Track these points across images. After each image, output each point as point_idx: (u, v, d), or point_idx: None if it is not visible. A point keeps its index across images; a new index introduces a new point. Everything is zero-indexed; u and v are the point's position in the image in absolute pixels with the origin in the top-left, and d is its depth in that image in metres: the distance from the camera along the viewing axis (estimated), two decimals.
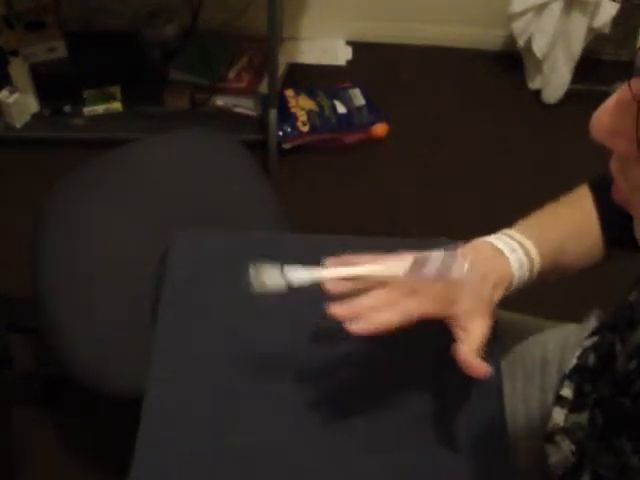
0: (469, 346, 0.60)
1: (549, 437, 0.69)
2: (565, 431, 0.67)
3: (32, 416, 1.39)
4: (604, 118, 0.38)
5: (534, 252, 0.66)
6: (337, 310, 0.59)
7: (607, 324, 0.67)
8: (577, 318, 0.84)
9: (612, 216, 0.68)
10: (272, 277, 0.59)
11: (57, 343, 0.99)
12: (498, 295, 0.64)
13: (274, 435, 0.67)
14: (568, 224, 0.72)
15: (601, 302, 0.82)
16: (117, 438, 0.84)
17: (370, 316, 0.59)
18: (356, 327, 0.58)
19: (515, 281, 0.65)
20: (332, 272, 0.61)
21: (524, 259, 0.65)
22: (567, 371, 0.73)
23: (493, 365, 0.72)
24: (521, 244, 0.66)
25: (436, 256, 0.60)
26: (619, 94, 0.37)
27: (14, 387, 1.43)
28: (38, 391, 1.44)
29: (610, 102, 0.37)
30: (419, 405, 0.70)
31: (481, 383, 0.70)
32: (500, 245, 0.65)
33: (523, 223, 0.70)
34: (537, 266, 0.66)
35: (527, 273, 0.65)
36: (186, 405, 0.68)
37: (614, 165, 0.40)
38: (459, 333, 0.61)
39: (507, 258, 0.64)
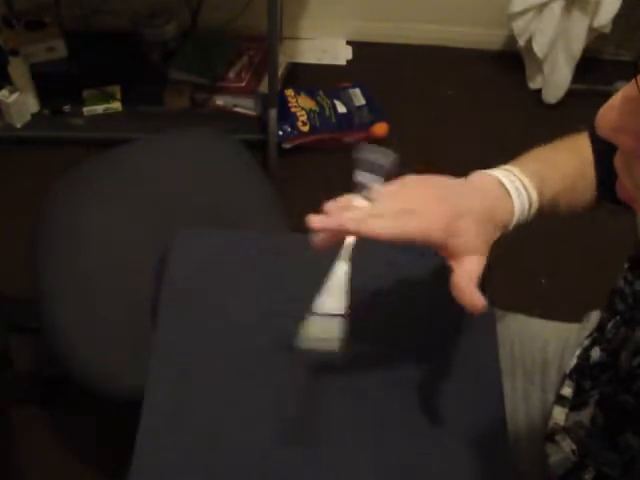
0: (466, 279, 0.59)
1: (549, 436, 0.69)
2: (566, 430, 0.67)
3: (32, 416, 1.39)
4: (610, 114, 0.37)
5: (534, 197, 0.65)
6: (326, 218, 0.59)
7: (606, 314, 0.67)
8: (577, 318, 0.84)
9: (608, 170, 0.68)
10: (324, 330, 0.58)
11: (57, 343, 0.99)
12: (496, 236, 0.63)
13: (274, 434, 0.67)
14: (568, 172, 0.70)
15: (601, 302, 0.82)
16: (117, 438, 0.84)
17: (367, 220, 0.58)
18: (351, 224, 0.57)
19: (512, 225, 0.64)
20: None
21: (526, 204, 0.64)
22: (568, 371, 0.73)
23: (494, 365, 0.72)
24: (525, 187, 0.64)
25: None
26: (626, 90, 0.36)
27: (14, 387, 1.43)
28: (38, 391, 1.44)
29: (616, 98, 0.37)
30: (419, 405, 0.70)
31: (482, 383, 0.71)
32: (508, 185, 0.64)
33: (525, 162, 0.68)
34: (534, 210, 0.65)
35: (526, 215, 0.65)
36: (186, 405, 0.68)
37: (619, 162, 0.40)
38: (456, 267, 0.60)
39: (512, 201, 0.63)
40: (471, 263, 0.60)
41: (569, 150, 0.72)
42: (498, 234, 0.63)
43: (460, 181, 0.66)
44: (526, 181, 0.65)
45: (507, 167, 0.67)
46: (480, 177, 0.66)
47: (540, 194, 0.65)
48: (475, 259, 0.60)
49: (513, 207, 0.63)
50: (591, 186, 0.72)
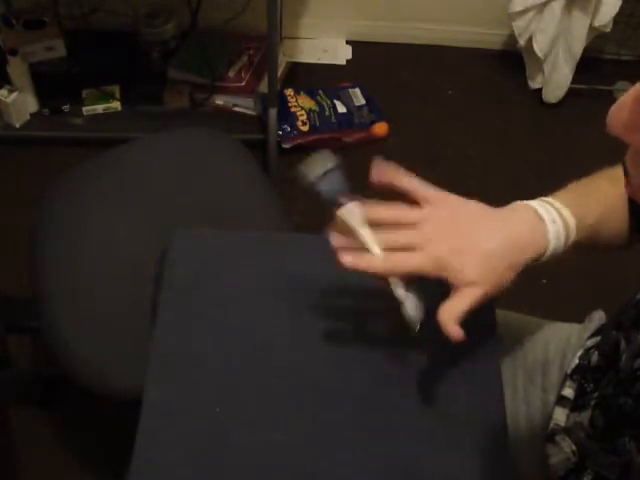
0: (453, 307, 0.59)
1: (550, 437, 0.69)
2: (566, 431, 0.67)
3: (32, 416, 1.39)
4: (621, 112, 0.37)
5: (572, 225, 0.64)
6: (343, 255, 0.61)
7: (611, 322, 0.67)
8: (578, 318, 0.84)
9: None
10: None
11: (57, 343, 0.99)
12: (523, 264, 0.62)
13: (274, 435, 0.67)
14: (609, 199, 0.70)
15: (602, 302, 0.82)
16: (117, 438, 0.84)
17: (363, 257, 0.61)
18: (346, 260, 0.61)
19: (549, 252, 0.63)
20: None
21: (562, 231, 0.63)
22: (569, 371, 0.73)
23: (494, 365, 0.72)
24: (562, 216, 0.64)
25: None
26: (637, 88, 0.36)
27: (14, 387, 1.43)
28: (38, 391, 1.44)
29: (628, 96, 0.37)
30: (419, 405, 0.70)
31: (482, 383, 0.70)
32: (543, 213, 0.63)
33: (563, 192, 0.68)
34: (572, 237, 0.64)
35: (562, 245, 0.64)
36: (186, 405, 0.68)
37: (629, 160, 0.40)
38: (451, 294, 0.61)
39: (547, 229, 0.62)
40: (464, 295, 0.60)
41: (609, 179, 0.72)
42: (528, 262, 0.63)
43: (489, 213, 0.65)
44: (564, 211, 0.64)
45: (545, 198, 0.66)
46: (512, 207, 0.65)
47: (579, 223, 0.64)
48: (472, 291, 0.60)
49: (548, 234, 0.63)
50: (625, 216, 0.71)
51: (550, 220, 0.63)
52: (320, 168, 0.65)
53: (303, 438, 0.67)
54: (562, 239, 0.63)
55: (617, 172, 0.71)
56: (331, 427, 0.68)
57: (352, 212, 0.63)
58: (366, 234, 0.62)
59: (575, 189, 0.69)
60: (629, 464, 0.56)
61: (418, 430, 0.68)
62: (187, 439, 0.66)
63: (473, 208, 0.65)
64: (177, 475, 0.65)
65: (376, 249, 0.61)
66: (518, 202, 0.66)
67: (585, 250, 0.69)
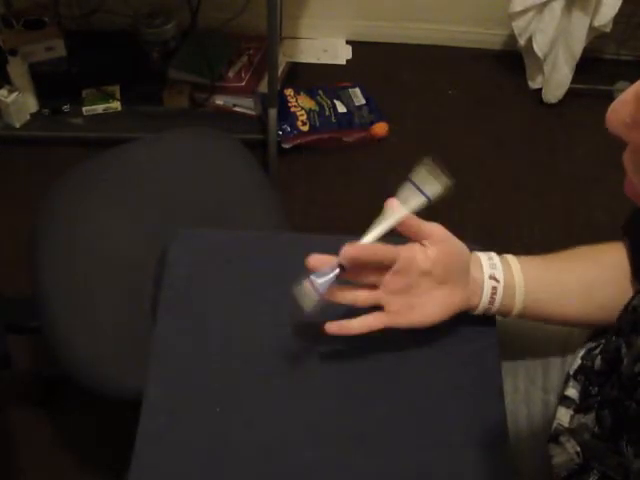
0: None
1: (553, 437, 0.69)
2: (570, 432, 0.67)
3: (32, 416, 1.39)
4: (621, 110, 0.37)
5: (513, 260, 0.68)
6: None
7: (611, 327, 0.67)
8: None
9: None
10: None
11: (57, 343, 0.99)
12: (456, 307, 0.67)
13: (274, 434, 0.67)
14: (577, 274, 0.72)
15: None
16: (117, 438, 0.84)
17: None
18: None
19: (486, 270, 0.67)
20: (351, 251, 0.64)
21: (501, 272, 0.67)
22: (571, 371, 0.73)
23: (494, 365, 0.72)
24: (501, 255, 0.68)
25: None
26: (638, 86, 0.36)
27: (14, 387, 1.43)
28: (38, 391, 1.44)
29: (628, 94, 0.37)
30: (420, 405, 0.70)
31: (482, 383, 0.70)
32: (485, 267, 0.67)
33: (532, 259, 0.71)
34: (517, 273, 0.67)
35: (498, 304, 0.67)
36: (186, 405, 0.68)
37: (628, 158, 0.40)
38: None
39: (480, 262, 0.67)
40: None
41: (578, 256, 0.73)
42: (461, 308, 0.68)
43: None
44: (512, 260, 0.68)
45: (506, 255, 0.70)
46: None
47: (529, 272, 0.68)
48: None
49: (481, 267, 0.67)
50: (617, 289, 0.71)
51: (486, 258, 0.68)
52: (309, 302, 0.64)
53: (303, 438, 0.67)
54: (499, 294, 0.67)
55: (591, 250, 0.73)
56: (331, 427, 0.68)
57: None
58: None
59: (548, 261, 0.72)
60: (628, 468, 0.56)
61: (418, 431, 0.68)
62: (187, 439, 0.66)
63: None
64: (177, 475, 0.65)
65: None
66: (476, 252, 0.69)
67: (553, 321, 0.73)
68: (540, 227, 1.75)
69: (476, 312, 0.69)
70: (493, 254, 0.69)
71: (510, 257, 0.69)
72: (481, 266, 0.67)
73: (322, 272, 0.63)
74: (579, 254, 0.73)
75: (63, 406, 1.41)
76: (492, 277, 0.66)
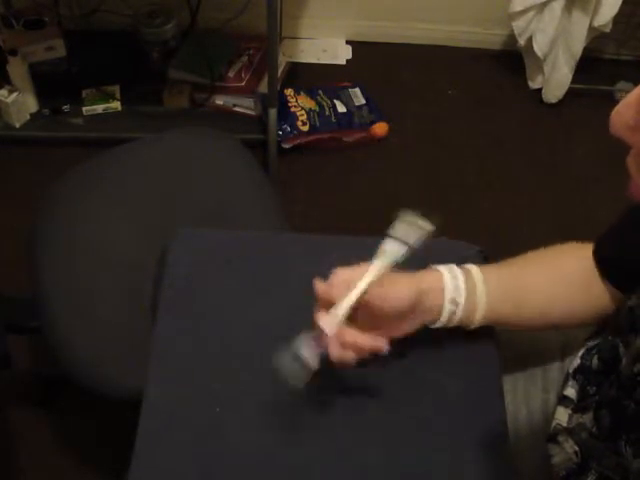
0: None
1: (552, 437, 0.69)
2: (568, 431, 0.67)
3: (32, 416, 1.39)
4: (625, 113, 0.37)
5: (477, 274, 0.68)
6: None
7: (609, 326, 0.67)
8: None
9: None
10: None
11: (57, 343, 0.99)
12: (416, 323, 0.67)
13: (274, 435, 0.67)
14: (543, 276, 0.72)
15: None
16: (117, 438, 0.84)
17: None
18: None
19: (448, 294, 0.66)
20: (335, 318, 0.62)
21: (460, 277, 0.67)
22: (571, 371, 0.73)
23: (494, 365, 0.72)
24: (463, 268, 0.68)
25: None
26: None
27: (14, 387, 1.43)
28: (38, 391, 1.44)
29: (631, 97, 0.37)
30: (420, 405, 0.69)
31: (482, 383, 0.70)
32: (445, 276, 0.67)
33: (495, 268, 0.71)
34: (480, 286, 0.67)
35: (462, 287, 0.66)
36: (186, 405, 0.68)
37: (632, 161, 0.40)
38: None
39: (440, 272, 0.67)
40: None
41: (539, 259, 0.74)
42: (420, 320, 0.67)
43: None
44: (470, 267, 0.68)
45: (469, 267, 0.70)
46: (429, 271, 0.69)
47: (491, 275, 0.68)
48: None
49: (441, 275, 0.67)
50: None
51: (446, 269, 0.67)
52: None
53: (303, 438, 0.67)
54: (462, 285, 0.66)
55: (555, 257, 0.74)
56: (331, 427, 0.68)
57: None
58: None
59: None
60: (627, 468, 0.56)
61: (418, 431, 0.68)
62: (187, 439, 0.66)
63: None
64: (177, 475, 0.65)
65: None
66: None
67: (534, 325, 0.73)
68: (540, 227, 1.75)
69: (434, 327, 0.69)
70: (457, 271, 0.68)
71: (474, 270, 0.68)
72: (442, 290, 0.66)
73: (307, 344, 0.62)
74: (540, 261, 0.73)
75: (63, 406, 1.41)
76: (452, 301, 0.66)
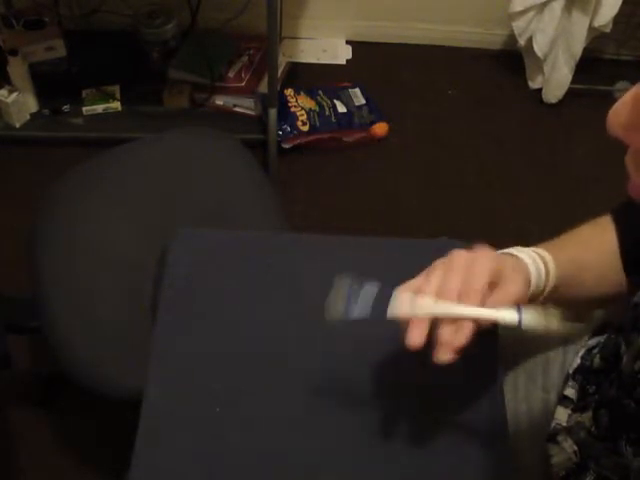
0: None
1: (552, 437, 0.69)
2: (567, 431, 0.67)
3: (32, 416, 1.39)
4: (621, 113, 0.37)
5: (549, 259, 0.66)
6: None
7: (612, 325, 0.67)
8: (579, 318, 0.84)
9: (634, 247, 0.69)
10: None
11: (57, 343, 0.99)
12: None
13: (274, 435, 0.67)
14: (592, 244, 0.72)
15: (603, 303, 0.82)
16: (117, 438, 0.84)
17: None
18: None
19: (533, 281, 0.64)
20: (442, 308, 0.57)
21: (541, 264, 0.65)
22: (571, 371, 0.73)
23: (494, 365, 0.72)
24: (537, 253, 0.66)
25: None
26: (637, 89, 0.36)
27: (14, 387, 1.43)
28: (38, 391, 1.44)
29: (628, 97, 0.37)
30: (420, 406, 0.70)
31: (482, 383, 0.70)
32: (517, 253, 0.66)
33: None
34: (553, 272, 0.66)
35: (543, 278, 0.65)
36: (186, 405, 0.68)
37: (630, 160, 0.40)
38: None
39: (525, 262, 0.65)
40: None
41: (593, 228, 0.74)
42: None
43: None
44: (537, 249, 0.67)
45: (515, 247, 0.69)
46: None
47: (556, 254, 0.67)
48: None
49: (527, 266, 0.64)
50: (616, 265, 0.71)
51: (527, 256, 0.66)
52: (342, 300, 0.59)
53: (303, 438, 0.67)
54: (542, 272, 0.65)
55: (602, 220, 0.74)
56: (331, 428, 0.68)
57: (403, 303, 0.58)
58: (439, 309, 0.58)
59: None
60: (627, 468, 0.56)
61: (418, 431, 0.68)
62: (187, 439, 0.66)
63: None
64: (177, 475, 0.65)
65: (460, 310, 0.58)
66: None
67: (570, 297, 0.71)
68: (540, 227, 1.75)
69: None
70: (537, 260, 0.67)
71: (547, 257, 0.68)
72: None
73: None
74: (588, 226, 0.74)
75: (63, 406, 1.41)
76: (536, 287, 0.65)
